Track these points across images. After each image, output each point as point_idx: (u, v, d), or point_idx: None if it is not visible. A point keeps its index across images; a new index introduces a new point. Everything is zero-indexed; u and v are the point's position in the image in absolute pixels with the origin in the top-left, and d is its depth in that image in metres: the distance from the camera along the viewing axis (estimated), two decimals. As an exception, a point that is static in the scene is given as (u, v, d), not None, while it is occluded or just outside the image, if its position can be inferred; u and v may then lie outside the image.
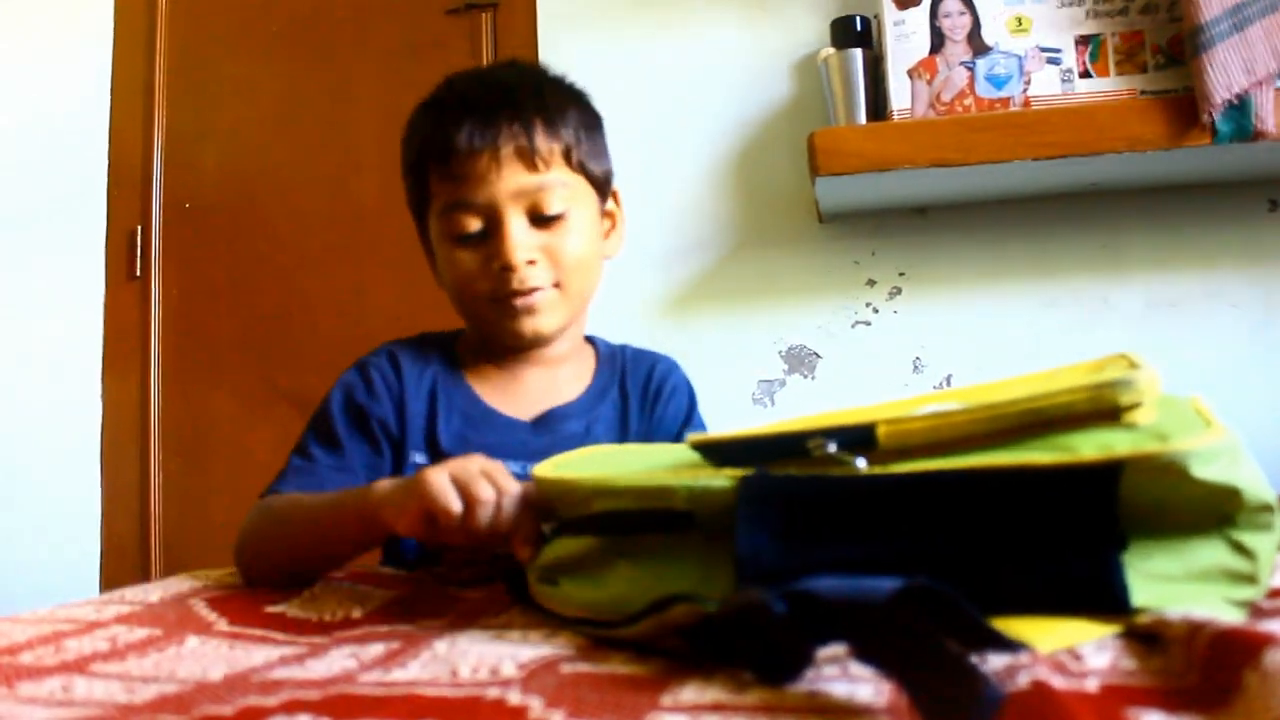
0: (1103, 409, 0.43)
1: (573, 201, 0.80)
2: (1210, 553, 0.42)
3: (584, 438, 0.84)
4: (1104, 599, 0.40)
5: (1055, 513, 0.41)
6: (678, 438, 0.86)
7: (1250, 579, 0.42)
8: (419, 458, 0.82)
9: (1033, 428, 0.43)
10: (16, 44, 1.91)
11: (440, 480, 0.56)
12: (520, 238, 0.77)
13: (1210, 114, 1.23)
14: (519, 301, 0.79)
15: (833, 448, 0.45)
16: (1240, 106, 1.23)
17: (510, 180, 0.77)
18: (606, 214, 0.88)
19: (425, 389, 0.84)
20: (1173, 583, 0.41)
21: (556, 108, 0.80)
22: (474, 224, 0.78)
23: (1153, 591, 0.41)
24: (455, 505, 0.55)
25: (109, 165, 1.84)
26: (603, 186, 0.86)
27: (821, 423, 0.48)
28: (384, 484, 0.63)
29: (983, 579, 0.40)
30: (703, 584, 0.46)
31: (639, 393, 0.90)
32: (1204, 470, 0.40)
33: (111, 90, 1.86)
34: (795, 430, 0.47)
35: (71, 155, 1.85)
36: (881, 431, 0.45)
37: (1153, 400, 0.44)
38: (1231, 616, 0.41)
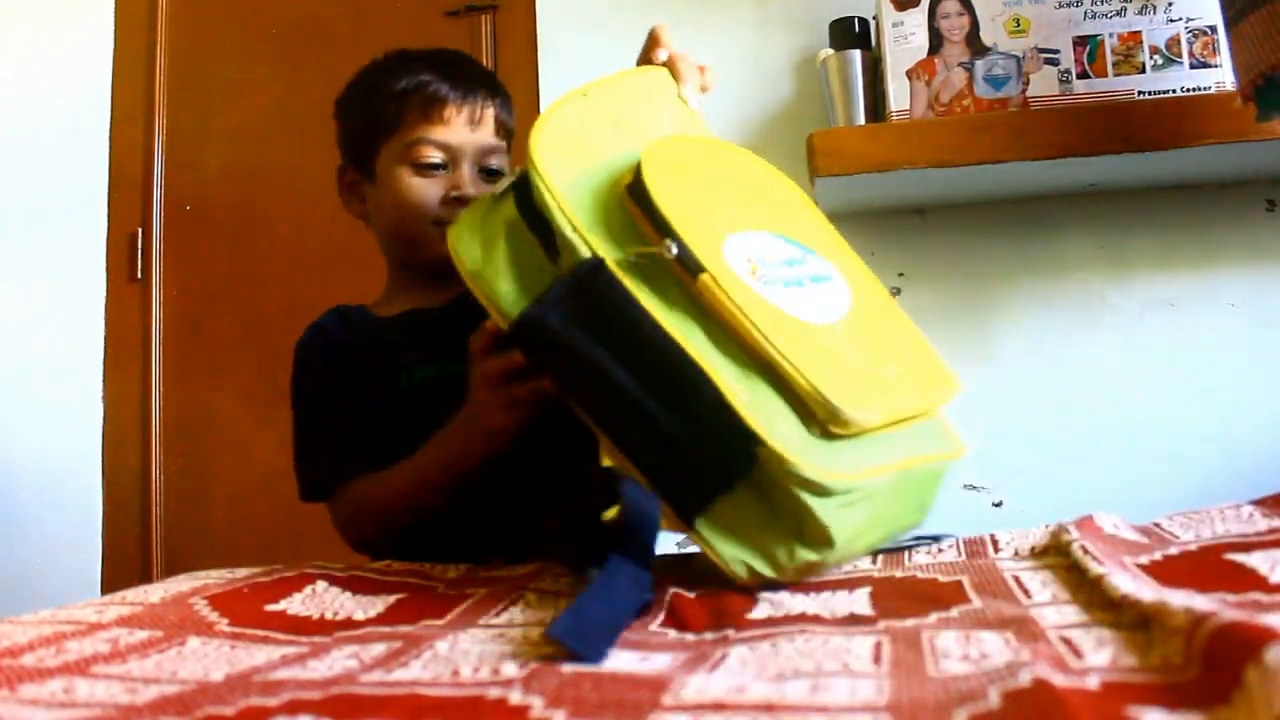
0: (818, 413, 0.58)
1: (503, 167, 1.01)
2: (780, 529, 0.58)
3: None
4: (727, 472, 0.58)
5: (715, 418, 0.56)
6: None
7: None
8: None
9: (771, 373, 0.57)
10: (17, 45, 1.91)
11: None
12: (473, 179, 0.98)
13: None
14: None
15: (675, 251, 0.58)
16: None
17: (480, 137, 0.98)
18: None
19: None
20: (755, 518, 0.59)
21: (507, 96, 1.03)
22: (438, 156, 0.97)
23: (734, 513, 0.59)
24: None
25: (110, 167, 1.84)
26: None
27: (686, 221, 0.60)
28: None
29: (651, 423, 0.58)
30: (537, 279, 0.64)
31: None
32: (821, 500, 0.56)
33: (112, 92, 1.86)
34: (669, 224, 0.60)
35: (72, 157, 1.85)
36: (704, 279, 0.58)
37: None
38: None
